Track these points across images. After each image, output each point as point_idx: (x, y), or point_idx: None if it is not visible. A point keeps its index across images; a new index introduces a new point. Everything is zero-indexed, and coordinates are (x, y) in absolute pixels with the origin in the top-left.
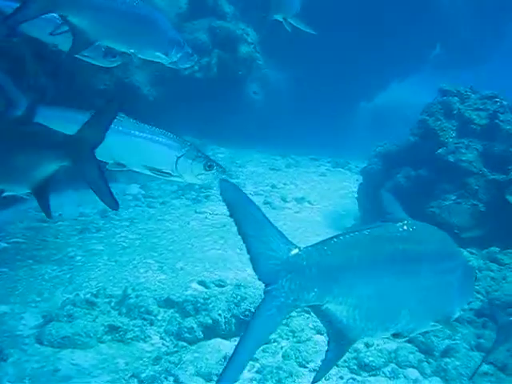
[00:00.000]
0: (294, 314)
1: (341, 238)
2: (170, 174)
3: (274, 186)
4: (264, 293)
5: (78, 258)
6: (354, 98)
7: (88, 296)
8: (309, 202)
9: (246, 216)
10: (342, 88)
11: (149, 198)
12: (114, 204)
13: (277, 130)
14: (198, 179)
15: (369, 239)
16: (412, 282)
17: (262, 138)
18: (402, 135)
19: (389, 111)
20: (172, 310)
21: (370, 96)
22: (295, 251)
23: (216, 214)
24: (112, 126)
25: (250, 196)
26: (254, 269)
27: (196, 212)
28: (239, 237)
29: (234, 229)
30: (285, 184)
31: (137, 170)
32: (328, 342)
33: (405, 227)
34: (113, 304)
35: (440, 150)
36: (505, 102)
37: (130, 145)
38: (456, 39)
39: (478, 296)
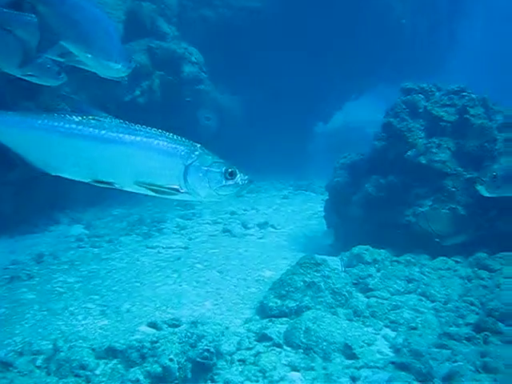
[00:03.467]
0: (262, 349)
1: None
2: (178, 191)
3: (233, 213)
4: None
5: (2, 310)
6: (311, 120)
7: (3, 356)
8: (272, 227)
9: None
10: (298, 110)
11: (93, 237)
12: None
13: (234, 156)
14: (217, 194)
15: None
16: None
17: None
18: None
19: (347, 131)
20: (115, 361)
21: (326, 117)
22: None
23: (170, 248)
24: (89, 128)
25: (208, 226)
26: None
27: (147, 247)
28: (195, 268)
29: (190, 261)
30: (245, 210)
31: (129, 189)
32: None
33: None
34: (39, 361)
35: (409, 152)
36: (474, 95)
37: (117, 154)
38: (409, 51)
39: (473, 308)
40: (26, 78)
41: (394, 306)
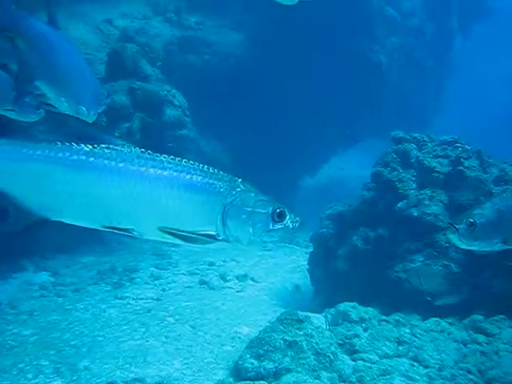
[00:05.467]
0: None
1: None
2: (214, 238)
3: (211, 264)
4: None
5: None
6: (298, 172)
7: None
8: (252, 280)
9: None
10: (284, 161)
11: (59, 286)
12: None
13: None
14: (261, 241)
15: None
16: None
17: None
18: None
19: (333, 185)
20: None
21: (313, 169)
22: None
23: (141, 299)
24: (103, 160)
25: (184, 276)
26: None
27: (116, 298)
28: (166, 322)
29: (161, 314)
30: (224, 261)
31: (151, 236)
32: None
33: None
34: None
35: (400, 204)
36: (468, 147)
37: (138, 192)
38: (396, 106)
39: (471, 377)
40: (5, 114)
41: (383, 370)
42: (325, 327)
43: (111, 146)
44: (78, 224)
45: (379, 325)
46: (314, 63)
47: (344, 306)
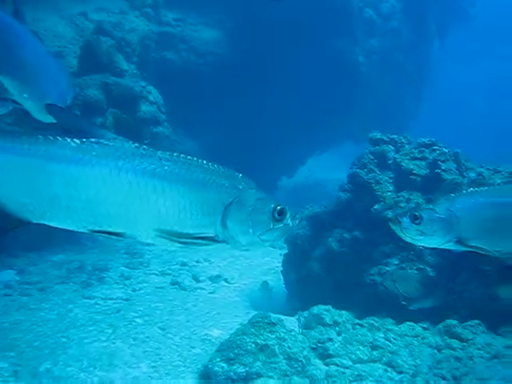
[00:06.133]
0: None
1: None
2: (214, 241)
3: (184, 264)
4: None
5: None
6: (275, 173)
7: None
8: (226, 281)
9: None
10: (262, 161)
11: (24, 284)
12: None
13: None
14: (261, 241)
15: None
16: None
17: None
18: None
19: (309, 187)
20: None
21: (290, 170)
22: None
23: (110, 299)
24: (92, 157)
25: (155, 276)
26: None
27: (84, 297)
28: (134, 323)
29: (130, 314)
30: (197, 262)
31: (147, 240)
32: None
33: None
34: None
35: (377, 206)
36: (445, 150)
37: (133, 192)
38: (375, 107)
39: (445, 383)
40: None
41: (356, 376)
42: (298, 330)
43: (101, 141)
44: (63, 227)
45: (353, 329)
46: (292, 63)
47: (318, 308)
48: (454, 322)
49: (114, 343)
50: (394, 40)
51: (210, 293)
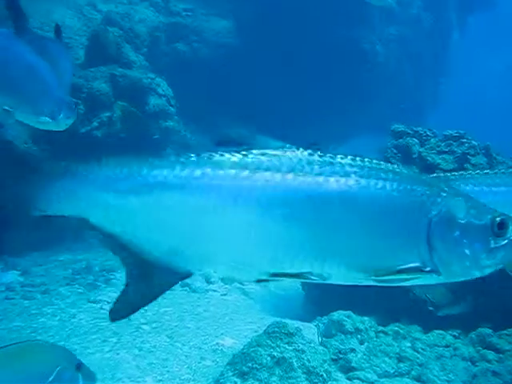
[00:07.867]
0: None
1: None
2: (420, 272)
3: None
4: None
5: None
6: None
7: None
8: (239, 282)
9: None
10: None
11: (28, 286)
12: None
13: None
14: (481, 265)
15: None
16: None
17: None
18: None
19: None
20: None
21: None
22: None
23: None
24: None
25: None
26: None
27: (89, 301)
28: (141, 331)
29: (137, 320)
30: None
31: (336, 279)
32: None
33: None
34: None
35: None
36: (475, 142)
37: (324, 218)
38: (393, 98)
39: None
40: None
41: None
42: (317, 340)
43: (268, 152)
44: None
45: (377, 337)
46: (306, 53)
47: (338, 314)
48: (488, 330)
49: (117, 354)
50: (413, 28)
51: (222, 295)
